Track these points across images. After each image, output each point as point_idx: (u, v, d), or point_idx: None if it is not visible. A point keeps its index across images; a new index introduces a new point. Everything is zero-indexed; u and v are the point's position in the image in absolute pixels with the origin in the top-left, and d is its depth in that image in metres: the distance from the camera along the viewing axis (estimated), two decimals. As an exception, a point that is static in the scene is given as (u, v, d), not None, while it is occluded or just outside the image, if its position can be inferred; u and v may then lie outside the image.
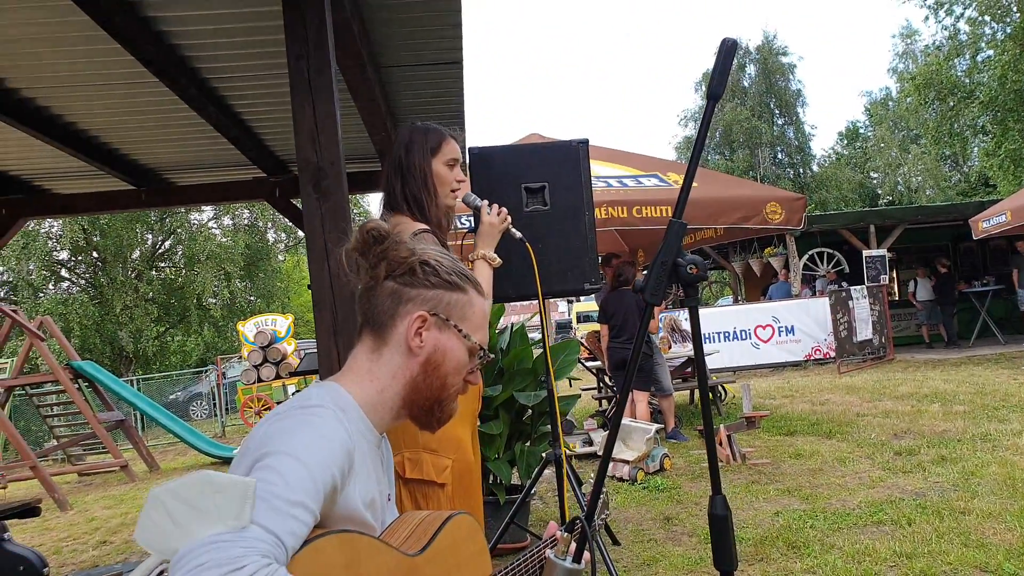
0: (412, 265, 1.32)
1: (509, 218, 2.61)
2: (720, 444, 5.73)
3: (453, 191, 2.49)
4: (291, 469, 1.04)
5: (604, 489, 1.52)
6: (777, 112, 37.05)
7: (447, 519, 1.33)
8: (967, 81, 23.75)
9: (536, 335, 5.80)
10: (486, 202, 2.62)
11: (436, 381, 1.32)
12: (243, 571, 0.89)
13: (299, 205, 5.59)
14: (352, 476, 1.16)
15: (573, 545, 1.44)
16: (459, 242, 2.83)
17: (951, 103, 24.21)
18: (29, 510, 4.48)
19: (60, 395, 11.40)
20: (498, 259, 2.55)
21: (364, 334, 1.35)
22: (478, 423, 4.18)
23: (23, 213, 5.32)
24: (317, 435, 1.12)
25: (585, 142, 3.31)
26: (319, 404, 1.20)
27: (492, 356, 1.49)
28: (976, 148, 28.41)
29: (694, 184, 1.48)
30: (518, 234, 2.65)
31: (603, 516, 1.66)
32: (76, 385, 10.63)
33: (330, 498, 1.10)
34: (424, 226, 2.32)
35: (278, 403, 13.46)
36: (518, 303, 3.61)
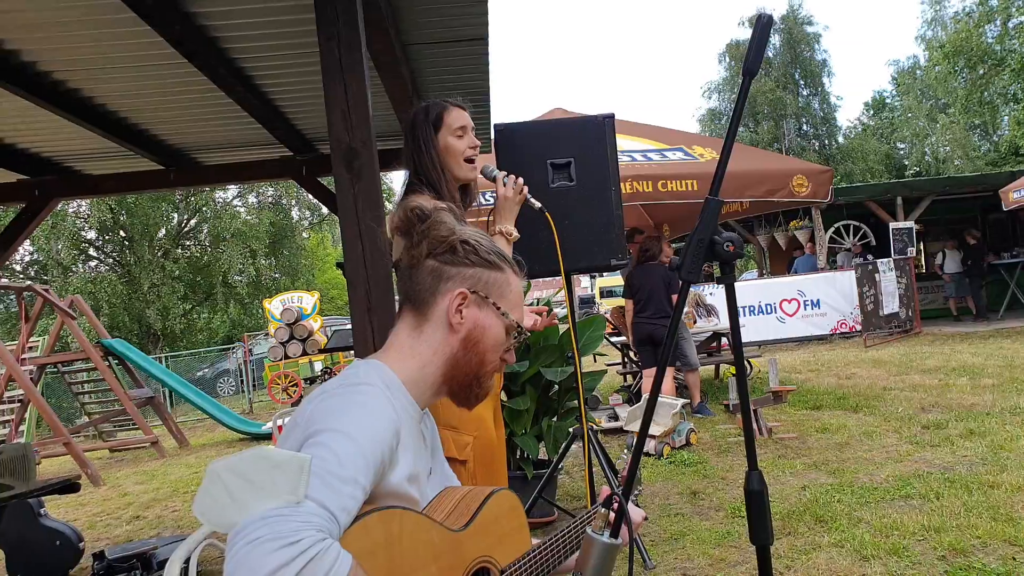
0: (453, 244, 1.34)
1: (526, 188, 2.59)
2: (746, 419, 5.73)
3: (469, 160, 2.47)
4: (343, 447, 1.07)
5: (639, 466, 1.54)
6: (802, 83, 36.48)
7: (490, 495, 1.36)
8: (998, 48, 23.19)
9: (561, 310, 5.82)
10: (502, 173, 2.60)
11: (475, 357, 1.35)
12: (299, 544, 0.91)
13: (326, 183, 5.62)
14: (399, 453, 1.19)
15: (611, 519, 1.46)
16: (485, 219, 2.84)
17: (981, 71, 23.71)
18: (69, 486, 4.59)
19: (91, 372, 11.60)
20: (516, 233, 2.54)
21: (405, 312, 1.37)
22: (503, 399, 4.23)
23: (55, 194, 5.39)
24: (367, 413, 1.15)
25: (611, 117, 3.29)
26: (367, 383, 1.22)
27: (527, 333, 1.51)
28: (1007, 117, 27.79)
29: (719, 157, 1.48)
30: (537, 204, 2.63)
31: (636, 492, 1.68)
32: (106, 363, 10.82)
33: (379, 475, 1.13)
34: (443, 204, 2.32)
35: (305, 380, 13.67)
36: (541, 279, 3.63)
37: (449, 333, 1.34)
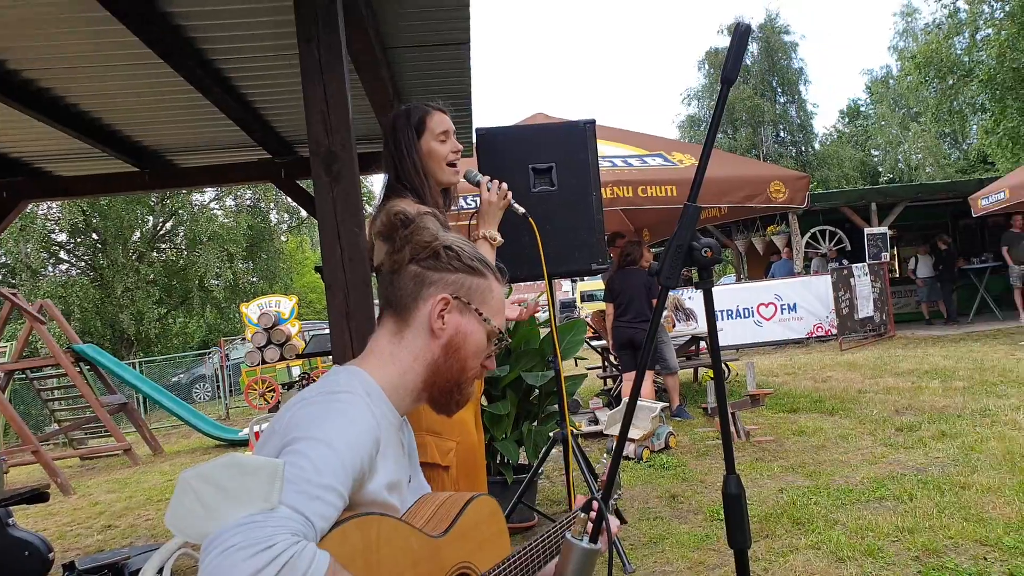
0: (436, 249, 1.34)
1: (510, 194, 2.59)
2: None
3: (451, 164, 2.47)
4: (321, 455, 1.06)
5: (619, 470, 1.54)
6: (780, 90, 36.89)
7: (469, 500, 1.35)
8: (966, 60, 23.60)
9: (541, 315, 5.80)
10: (486, 178, 2.60)
11: (456, 364, 1.35)
12: (273, 549, 0.90)
13: (305, 187, 5.59)
14: (379, 461, 1.18)
15: (590, 526, 1.46)
16: (467, 222, 2.83)
17: (951, 81, 24.09)
18: (38, 496, 4.50)
19: (61, 379, 11.42)
20: (500, 238, 2.53)
21: (385, 318, 1.37)
22: (483, 403, 4.21)
23: (24, 196, 5.31)
24: (346, 421, 1.14)
25: (592, 123, 3.31)
26: (347, 390, 1.21)
27: (509, 340, 1.52)
28: (975, 126, 28.28)
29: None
30: (521, 209, 2.63)
31: (615, 495, 1.68)
32: (77, 368, 10.65)
33: (358, 484, 1.12)
34: (427, 208, 2.31)
35: (283, 385, 13.56)
36: (523, 282, 3.63)
37: (430, 339, 1.33)
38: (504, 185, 2.58)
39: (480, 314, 1.36)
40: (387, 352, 1.33)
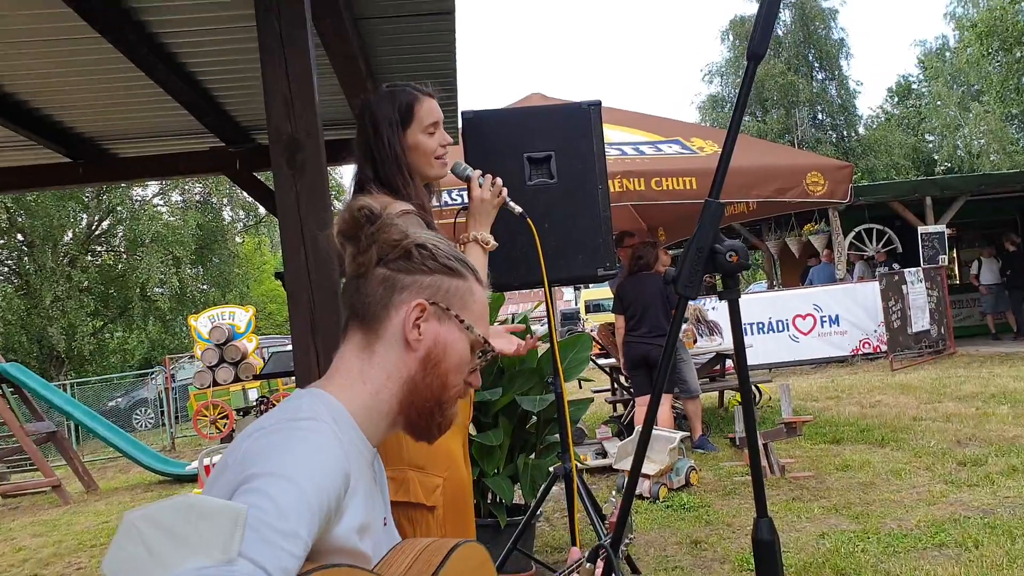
0: (407, 248, 1.34)
1: (505, 191, 2.61)
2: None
3: (439, 158, 2.48)
4: (284, 494, 1.05)
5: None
6: (817, 65, 37.02)
7: (453, 548, 1.35)
8: (1037, 28, 23.73)
9: (540, 328, 5.81)
10: (477, 172, 2.61)
11: (436, 380, 1.35)
12: None
13: (264, 179, 5.59)
14: (348, 500, 1.18)
15: (598, 576, 1.46)
16: (452, 220, 2.84)
17: (1018, 53, 24.21)
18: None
19: (-21, 403, 11.36)
20: (493, 241, 2.54)
21: (352, 330, 1.37)
22: (471, 433, 4.21)
23: (-62, 191, 5.31)
24: (312, 453, 1.14)
25: (597, 104, 3.33)
26: (312, 417, 1.21)
27: (495, 351, 1.52)
28: (1049, 106, 28.42)
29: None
30: (517, 208, 2.64)
31: (626, 540, 1.69)
32: None
33: (324, 526, 1.11)
34: (408, 206, 2.31)
35: (237, 411, 13.53)
36: (517, 291, 3.64)
37: (405, 352, 1.33)
38: (499, 180, 2.59)
39: (461, 321, 1.37)
40: (355, 370, 1.33)
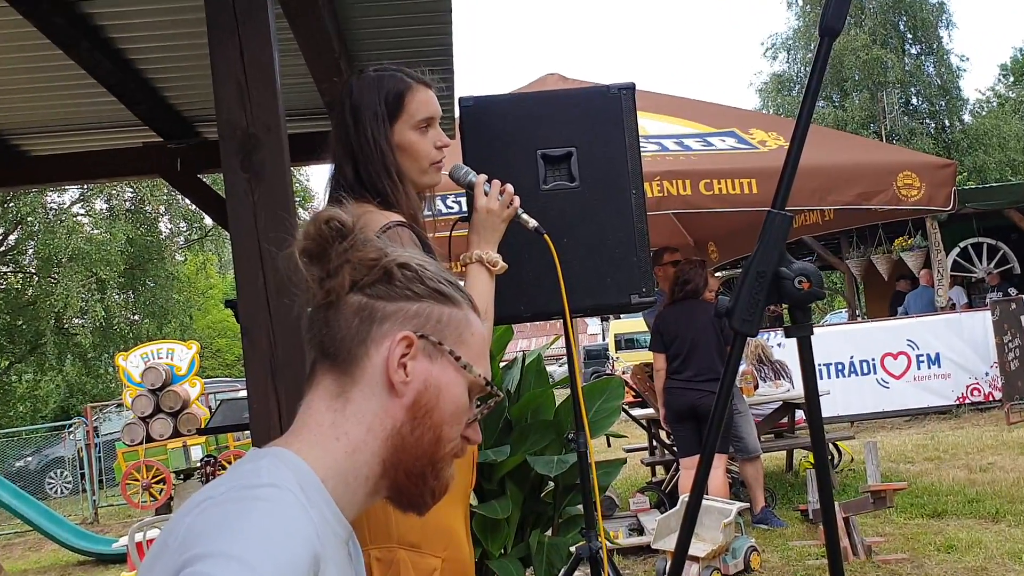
0: (387, 269, 1.34)
1: (517, 200, 2.62)
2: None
3: (435, 163, 2.51)
4: (236, 583, 1.06)
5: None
6: (910, 37, 37.06)
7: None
8: None
9: (558, 369, 5.81)
10: (483, 177, 2.63)
11: (429, 433, 1.34)
12: None
13: (211, 183, 5.63)
14: (317, 591, 1.18)
15: None
16: (447, 233, 2.85)
17: None
18: None
19: None
20: (502, 262, 2.56)
21: (320, 374, 1.36)
22: (473, 502, 4.21)
23: None
24: (273, 531, 1.13)
25: (630, 87, 3.33)
26: (272, 483, 1.21)
27: (500, 395, 1.51)
28: None
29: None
30: (532, 222, 2.65)
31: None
32: None
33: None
34: (398, 217, 2.33)
35: (177, 474, 13.52)
36: (527, 322, 3.64)
37: (389, 398, 1.32)
38: (509, 188, 2.60)
39: (457, 358, 1.36)
40: (326, 424, 1.33)
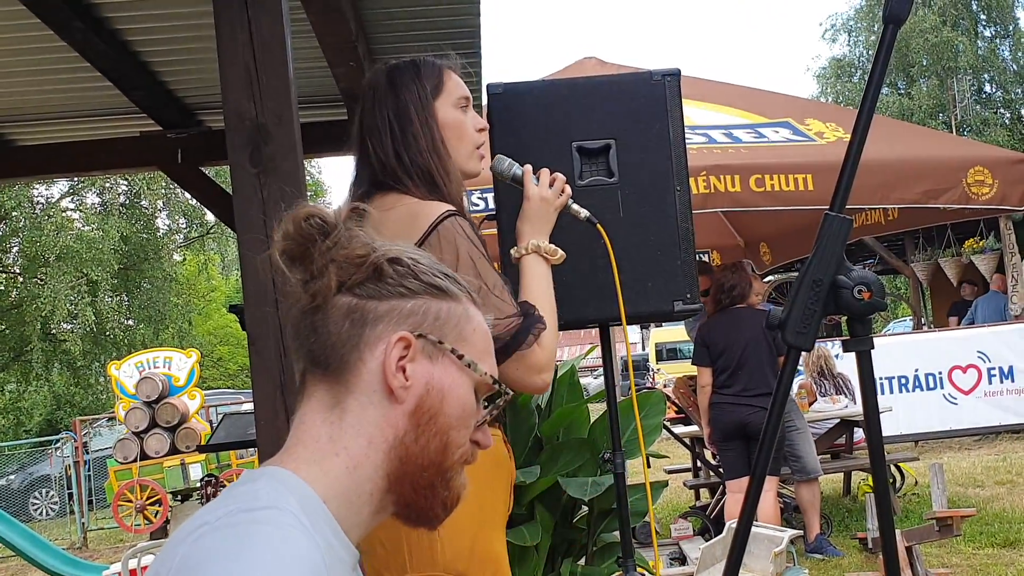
0: (376, 264, 1.33)
1: (568, 189, 2.64)
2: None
3: (478, 147, 2.54)
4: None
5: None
6: (983, 18, 36.81)
7: None
8: None
9: (594, 383, 5.82)
10: (528, 167, 2.65)
11: (435, 440, 1.34)
12: None
13: (215, 176, 5.66)
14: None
15: None
16: (490, 229, 2.87)
17: None
18: None
19: None
20: (560, 251, 2.57)
21: (312, 384, 1.36)
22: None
23: None
24: (275, 559, 1.13)
25: (675, 73, 3.33)
26: (272, 505, 1.20)
27: (510, 393, 1.51)
28: None
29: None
30: (584, 212, 2.68)
31: None
32: None
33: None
34: (449, 207, 2.34)
35: (174, 495, 13.58)
36: (562, 331, 3.64)
37: (389, 406, 1.32)
38: (560, 176, 2.62)
39: (460, 357, 1.36)
40: (323, 439, 1.32)
